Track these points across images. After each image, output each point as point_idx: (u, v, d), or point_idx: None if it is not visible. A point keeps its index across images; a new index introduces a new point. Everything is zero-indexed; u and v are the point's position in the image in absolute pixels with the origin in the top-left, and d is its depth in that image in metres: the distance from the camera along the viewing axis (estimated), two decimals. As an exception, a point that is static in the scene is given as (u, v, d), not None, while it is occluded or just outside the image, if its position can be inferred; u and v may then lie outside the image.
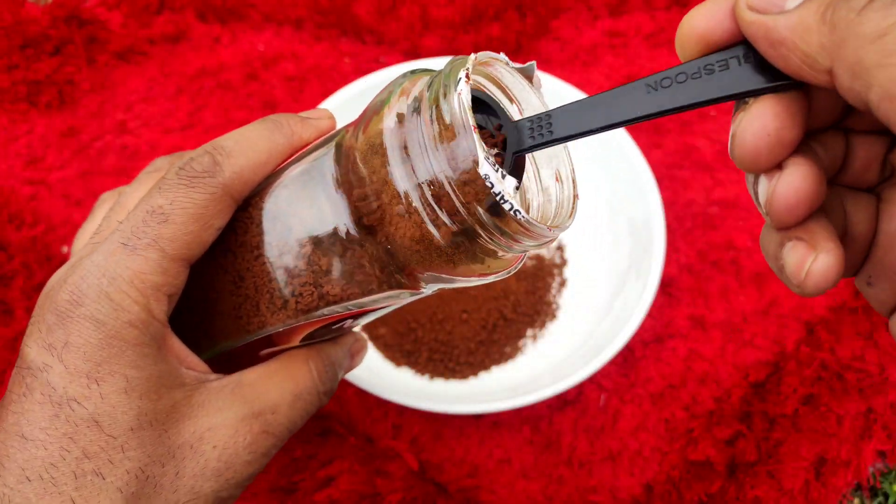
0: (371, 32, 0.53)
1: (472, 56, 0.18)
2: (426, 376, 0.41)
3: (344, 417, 0.41)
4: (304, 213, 0.20)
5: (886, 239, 0.16)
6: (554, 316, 0.44)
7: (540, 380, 0.39)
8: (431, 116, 0.17)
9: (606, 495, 0.40)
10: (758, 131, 0.14)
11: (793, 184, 0.14)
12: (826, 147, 0.16)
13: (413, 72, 0.19)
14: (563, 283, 0.45)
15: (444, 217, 0.18)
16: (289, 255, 0.20)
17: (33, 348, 0.19)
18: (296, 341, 0.23)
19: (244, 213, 0.21)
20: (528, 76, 0.20)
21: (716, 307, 0.44)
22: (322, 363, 0.23)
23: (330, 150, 0.20)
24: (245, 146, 0.21)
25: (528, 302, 0.43)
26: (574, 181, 0.20)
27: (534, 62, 0.19)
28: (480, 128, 0.19)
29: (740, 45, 0.15)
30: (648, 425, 0.41)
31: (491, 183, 0.17)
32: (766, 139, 0.14)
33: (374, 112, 0.19)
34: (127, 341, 0.19)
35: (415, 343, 0.42)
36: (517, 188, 0.17)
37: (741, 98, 0.15)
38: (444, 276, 0.19)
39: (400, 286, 0.20)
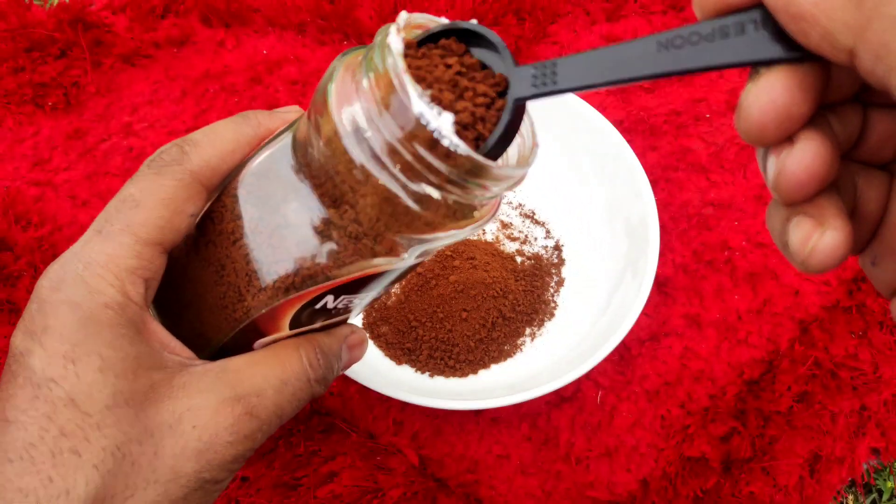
0: (373, 37, 0.54)
1: (404, 13, 0.18)
2: (426, 374, 0.42)
3: (346, 414, 0.42)
4: (272, 196, 0.21)
5: None
6: (552, 314, 0.44)
7: (538, 377, 0.39)
8: (369, 76, 0.18)
9: (603, 490, 0.40)
10: (765, 105, 0.13)
11: (803, 160, 0.13)
12: (842, 120, 0.15)
13: (351, 49, 0.20)
14: (560, 283, 0.45)
15: (400, 175, 0.18)
16: (262, 236, 0.21)
17: (18, 336, 0.20)
18: (284, 328, 0.23)
19: (219, 202, 0.22)
20: None
21: (711, 306, 0.45)
22: (313, 351, 0.23)
23: (290, 133, 0.21)
24: (212, 137, 0.22)
25: (526, 301, 0.44)
26: (533, 133, 0.20)
27: (475, 21, 0.19)
28: (483, 66, 0.19)
29: (759, 7, 0.14)
30: (644, 422, 0.42)
31: (426, 121, 0.17)
32: (774, 114, 0.13)
33: (321, 92, 0.19)
34: (102, 322, 0.19)
35: (415, 341, 0.42)
36: (455, 123, 0.17)
37: (754, 66, 0.14)
38: (418, 236, 0.20)
39: (375, 255, 0.20)
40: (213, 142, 0.22)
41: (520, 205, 0.48)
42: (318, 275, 0.21)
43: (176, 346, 0.22)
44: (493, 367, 0.42)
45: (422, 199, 0.18)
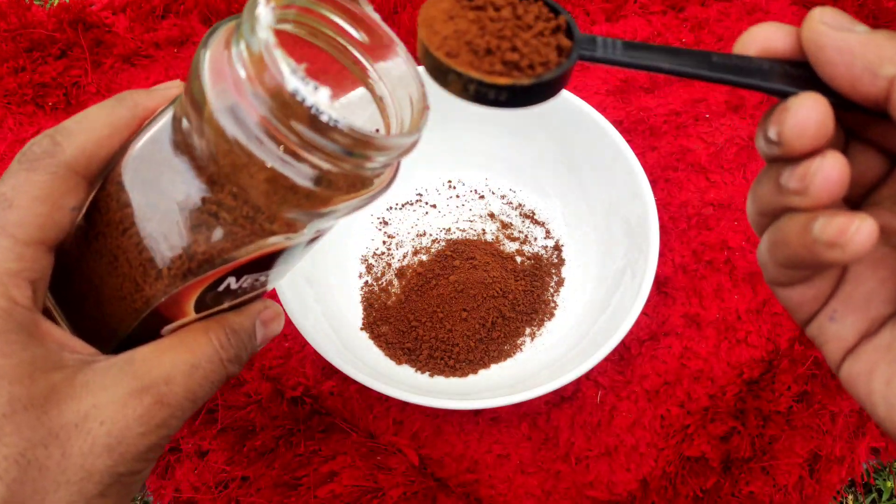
0: (372, 37, 0.54)
1: None
2: (426, 374, 0.42)
3: (346, 414, 0.42)
4: (156, 180, 0.20)
5: (859, 269, 0.19)
6: (552, 314, 0.44)
7: (538, 376, 0.39)
8: (240, 47, 0.17)
9: (603, 490, 0.40)
10: (812, 108, 0.16)
11: (837, 165, 0.16)
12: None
13: (224, 21, 0.19)
14: (560, 283, 0.45)
15: (282, 154, 0.17)
16: (151, 224, 0.20)
17: None
18: (190, 312, 0.22)
19: (104, 191, 0.21)
20: None
21: (710, 306, 0.45)
22: (223, 331, 0.23)
23: (169, 112, 0.20)
24: (85, 123, 0.21)
25: (526, 301, 0.44)
26: (424, 96, 0.20)
27: None
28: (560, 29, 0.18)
29: (790, 62, 0.17)
30: (644, 422, 0.42)
31: (302, 97, 0.16)
32: (817, 119, 0.16)
33: (195, 66, 0.18)
34: None
35: (415, 341, 0.42)
36: (332, 97, 0.17)
37: (784, 96, 0.17)
38: (315, 211, 0.19)
39: (273, 233, 0.20)
40: (87, 128, 0.21)
41: (520, 205, 0.48)
42: (214, 258, 0.20)
43: (76, 345, 0.21)
44: (493, 366, 0.42)
45: (308, 176, 0.18)
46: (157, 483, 0.41)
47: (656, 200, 0.40)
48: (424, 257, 0.46)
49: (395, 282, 0.45)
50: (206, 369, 0.22)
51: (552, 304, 0.45)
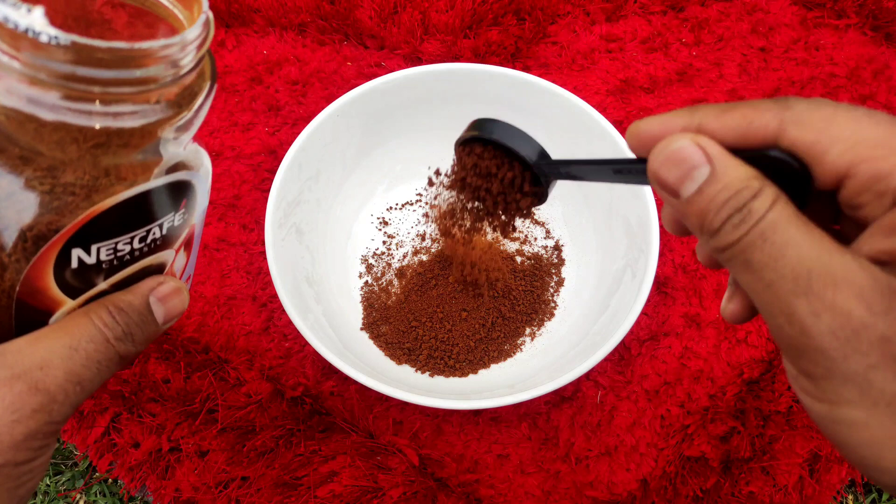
0: (372, 37, 0.54)
1: None
2: (426, 374, 0.42)
3: (346, 414, 0.42)
4: None
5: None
6: (552, 314, 0.44)
7: (538, 376, 0.39)
8: None
9: (603, 490, 0.40)
10: (668, 214, 0.22)
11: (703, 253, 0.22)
12: None
13: None
14: (560, 283, 0.45)
15: (63, 102, 0.17)
16: None
17: None
18: (63, 299, 0.22)
19: None
20: None
21: (710, 306, 0.45)
22: (105, 310, 0.22)
23: None
24: None
25: (526, 301, 0.44)
26: (201, 5, 0.20)
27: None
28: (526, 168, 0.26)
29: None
30: (644, 422, 0.42)
31: (14, 23, 0.16)
32: (672, 222, 0.22)
33: None
34: None
35: (415, 341, 0.42)
36: (45, 14, 0.16)
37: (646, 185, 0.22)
38: (153, 143, 0.18)
39: (112, 186, 0.19)
40: None
41: (520, 205, 0.48)
42: (45, 232, 0.20)
43: None
44: (493, 366, 0.42)
45: (96, 111, 0.17)
46: (157, 483, 0.41)
47: (656, 200, 0.40)
48: (424, 257, 0.46)
49: (395, 282, 0.45)
50: (88, 349, 0.22)
51: (552, 304, 0.45)
